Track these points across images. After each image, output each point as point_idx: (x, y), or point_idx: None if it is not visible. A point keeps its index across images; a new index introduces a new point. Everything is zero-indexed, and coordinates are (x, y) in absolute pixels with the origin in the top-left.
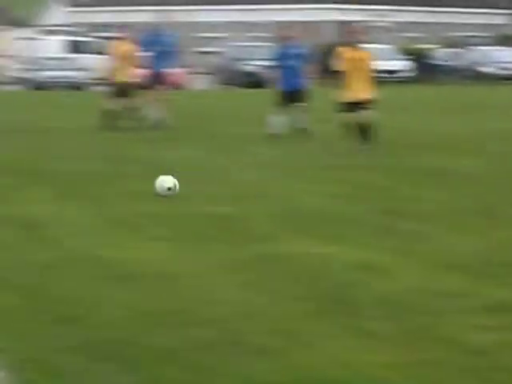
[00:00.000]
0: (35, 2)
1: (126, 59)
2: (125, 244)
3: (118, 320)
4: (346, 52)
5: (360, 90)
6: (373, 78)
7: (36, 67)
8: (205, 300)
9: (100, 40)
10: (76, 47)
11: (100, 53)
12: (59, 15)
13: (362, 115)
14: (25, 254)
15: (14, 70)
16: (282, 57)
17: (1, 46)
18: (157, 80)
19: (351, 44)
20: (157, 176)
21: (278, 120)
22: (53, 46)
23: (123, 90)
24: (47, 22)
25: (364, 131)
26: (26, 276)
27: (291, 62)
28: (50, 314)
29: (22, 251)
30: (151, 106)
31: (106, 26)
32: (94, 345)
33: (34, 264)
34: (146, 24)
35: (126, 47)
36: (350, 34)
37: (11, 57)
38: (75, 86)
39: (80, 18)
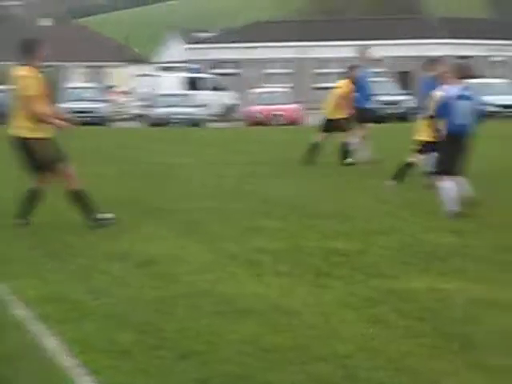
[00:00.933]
0: (154, 40)
1: (344, 98)
2: (243, 279)
3: (236, 355)
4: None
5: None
6: None
7: (154, 104)
8: (323, 336)
9: (217, 76)
10: (194, 84)
11: (218, 89)
12: (177, 52)
13: None
14: (142, 290)
15: (133, 106)
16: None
17: (120, 83)
18: (362, 116)
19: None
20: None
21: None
22: (171, 82)
23: (332, 126)
24: (165, 59)
25: None
26: (144, 312)
27: None
28: (169, 350)
29: (138, 288)
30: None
31: (222, 63)
32: (213, 380)
33: (151, 300)
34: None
35: (346, 86)
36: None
37: (130, 94)
38: (193, 123)
39: (197, 54)
